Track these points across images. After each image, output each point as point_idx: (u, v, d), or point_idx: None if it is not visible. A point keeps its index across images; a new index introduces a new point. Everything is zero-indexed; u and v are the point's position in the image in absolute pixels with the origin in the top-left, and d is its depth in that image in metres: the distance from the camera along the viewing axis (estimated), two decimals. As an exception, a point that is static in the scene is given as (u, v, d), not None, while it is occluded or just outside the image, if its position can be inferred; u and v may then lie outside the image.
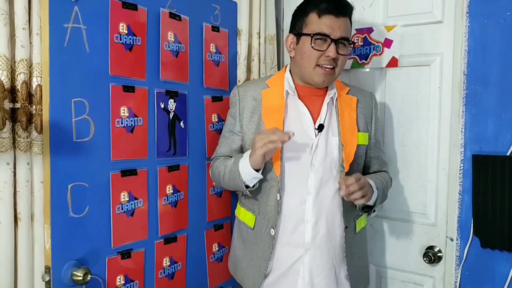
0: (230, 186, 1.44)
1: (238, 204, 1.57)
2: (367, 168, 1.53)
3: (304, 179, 1.37)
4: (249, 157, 1.32)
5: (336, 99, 1.41)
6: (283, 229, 1.39)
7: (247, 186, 1.36)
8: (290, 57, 1.44)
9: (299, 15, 1.39)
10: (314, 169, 1.37)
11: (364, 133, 1.44)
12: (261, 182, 1.39)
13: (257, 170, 1.32)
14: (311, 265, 1.38)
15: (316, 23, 1.33)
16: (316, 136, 1.37)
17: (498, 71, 1.45)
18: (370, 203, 1.36)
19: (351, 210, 1.41)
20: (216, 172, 1.48)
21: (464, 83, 1.51)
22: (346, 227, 1.40)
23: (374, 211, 1.44)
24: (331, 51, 1.31)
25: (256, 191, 1.42)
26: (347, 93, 1.45)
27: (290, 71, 1.46)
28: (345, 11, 1.35)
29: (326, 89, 1.43)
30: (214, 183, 1.60)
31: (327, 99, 1.40)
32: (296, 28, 1.39)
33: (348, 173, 1.36)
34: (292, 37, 1.41)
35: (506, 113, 1.44)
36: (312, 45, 1.33)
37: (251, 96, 1.45)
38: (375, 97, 1.54)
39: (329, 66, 1.34)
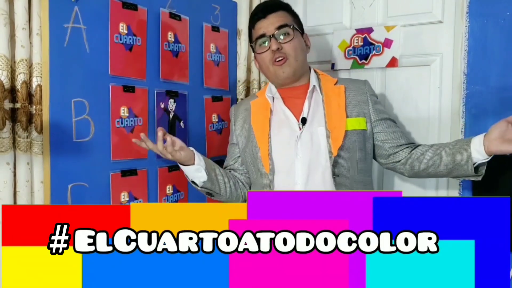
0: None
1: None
2: (392, 147, 1.44)
3: (291, 170, 1.39)
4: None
5: (321, 91, 1.43)
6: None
7: (194, 183, 1.41)
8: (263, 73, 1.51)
9: (249, 40, 1.50)
10: (300, 159, 1.38)
11: (358, 118, 1.41)
12: (256, 179, 1.44)
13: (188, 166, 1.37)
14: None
15: (254, 33, 1.43)
16: (300, 129, 1.40)
17: (498, 71, 1.45)
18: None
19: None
20: None
21: (464, 83, 1.51)
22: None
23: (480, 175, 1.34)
24: (272, 44, 1.37)
25: (252, 186, 1.48)
26: (335, 84, 1.46)
27: None
28: (270, 9, 1.41)
29: (307, 85, 1.45)
30: None
31: (308, 94, 1.43)
32: (253, 48, 1.49)
33: (336, 158, 1.36)
34: (255, 60, 1.51)
35: (506, 113, 1.43)
36: (259, 51, 1.42)
37: (243, 108, 1.52)
38: (369, 83, 1.50)
39: (278, 59, 1.38)
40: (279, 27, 1.38)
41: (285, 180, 1.40)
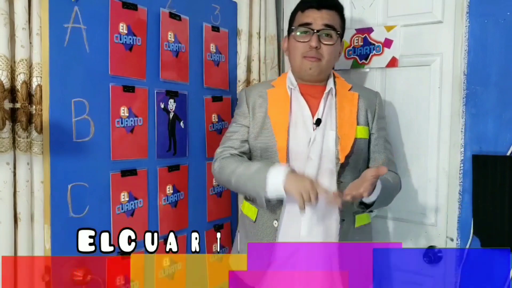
0: (240, 189, 1.43)
1: (244, 199, 1.56)
2: (371, 164, 1.50)
3: (301, 172, 1.37)
4: (287, 180, 1.28)
5: (335, 95, 1.44)
6: (284, 222, 1.40)
7: (267, 200, 1.33)
8: (288, 58, 1.49)
9: (291, 16, 1.47)
10: (310, 162, 1.38)
11: (364, 126, 1.44)
12: None
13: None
14: (306, 257, 1.39)
15: (299, 17, 1.41)
16: (314, 130, 1.40)
17: (498, 71, 1.45)
18: (367, 201, 1.33)
19: (349, 204, 1.39)
20: (225, 170, 1.42)
21: (464, 83, 1.50)
22: (342, 220, 1.40)
23: (371, 211, 1.42)
24: (313, 40, 1.36)
25: None
26: (349, 90, 1.47)
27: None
28: (327, 4, 1.40)
29: (325, 86, 1.45)
30: (215, 181, 1.58)
31: (324, 95, 1.43)
32: (288, 30, 1.47)
33: (343, 165, 1.38)
34: (286, 39, 1.49)
35: (506, 113, 1.44)
36: (296, 37, 1.40)
37: (257, 94, 1.48)
38: (380, 96, 1.53)
39: (313, 56, 1.38)
40: (327, 26, 1.38)
41: None
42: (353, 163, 1.40)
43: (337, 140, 1.39)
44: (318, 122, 1.40)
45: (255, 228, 1.46)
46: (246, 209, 1.51)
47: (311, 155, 1.39)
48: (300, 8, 1.43)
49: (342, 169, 1.38)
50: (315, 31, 1.37)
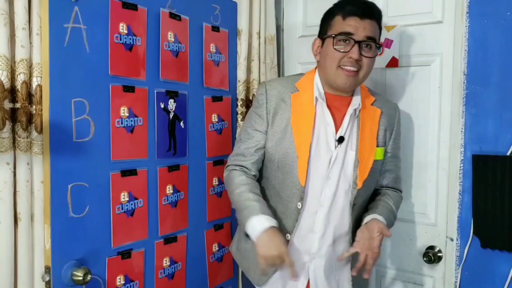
0: (235, 208, 1.42)
1: None
2: (380, 181, 1.49)
3: (319, 191, 1.35)
4: (260, 237, 1.26)
5: (359, 110, 1.38)
6: (296, 236, 1.38)
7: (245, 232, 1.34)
8: (317, 61, 1.41)
9: (326, 18, 1.37)
10: (329, 182, 1.35)
11: (382, 147, 1.41)
12: (281, 187, 1.38)
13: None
14: (315, 273, 1.38)
15: (340, 24, 1.30)
16: (335, 148, 1.35)
17: (498, 71, 1.45)
18: None
19: (360, 224, 1.40)
20: (228, 184, 1.42)
21: (464, 83, 1.51)
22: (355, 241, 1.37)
23: None
24: (354, 52, 1.27)
25: (277, 196, 1.40)
26: (372, 103, 1.41)
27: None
28: (371, 13, 1.30)
29: (351, 98, 1.38)
30: (226, 188, 1.53)
31: (350, 110, 1.37)
32: (322, 31, 1.37)
33: (360, 191, 1.36)
34: (318, 41, 1.38)
35: (506, 113, 1.44)
36: (335, 46, 1.30)
37: (279, 97, 1.39)
38: (399, 109, 1.49)
39: (351, 68, 1.29)
40: (369, 38, 1.29)
41: (312, 198, 1.36)
42: (367, 186, 1.39)
43: (357, 163, 1.35)
44: (340, 140, 1.34)
45: None
46: None
47: (331, 174, 1.35)
48: (341, 13, 1.31)
49: (357, 192, 1.36)
50: (356, 41, 1.27)
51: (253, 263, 1.39)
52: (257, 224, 1.27)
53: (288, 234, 1.37)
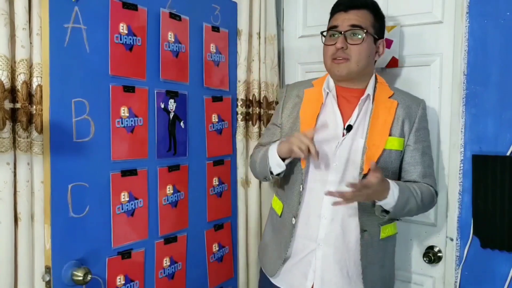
0: (260, 172, 1.47)
1: (274, 193, 1.62)
2: (403, 176, 1.45)
3: (325, 176, 1.39)
4: (279, 145, 1.38)
5: (373, 101, 1.40)
6: (303, 221, 1.42)
7: (271, 172, 1.41)
8: None
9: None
10: (335, 167, 1.38)
11: (399, 138, 1.39)
12: (289, 173, 1.45)
13: (283, 160, 1.37)
14: (323, 260, 1.39)
15: (330, 23, 1.43)
16: (343, 136, 1.39)
17: (498, 71, 1.45)
18: (386, 207, 1.31)
19: (373, 214, 1.38)
20: (254, 159, 1.54)
21: (464, 83, 1.51)
22: (364, 231, 1.37)
23: (396, 219, 1.43)
24: (338, 41, 1.36)
25: (285, 182, 1.49)
26: (390, 97, 1.42)
27: None
28: (356, 5, 1.38)
29: (363, 90, 1.42)
30: (251, 171, 1.60)
31: (360, 101, 1.40)
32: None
33: (366, 176, 1.31)
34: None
35: (506, 113, 1.44)
36: (326, 42, 1.41)
37: (295, 94, 1.52)
38: (425, 105, 1.46)
39: (339, 57, 1.37)
40: (353, 26, 1.36)
41: (317, 182, 1.39)
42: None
43: (364, 149, 1.36)
44: (348, 128, 1.38)
45: (280, 222, 1.49)
46: (274, 203, 1.56)
47: (336, 160, 1.37)
48: (331, 13, 1.44)
49: (364, 178, 1.32)
50: (341, 32, 1.37)
51: (270, 255, 1.51)
52: (274, 146, 1.40)
53: (293, 218, 1.42)
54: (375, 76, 1.45)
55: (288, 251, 1.44)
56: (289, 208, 1.45)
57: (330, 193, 1.23)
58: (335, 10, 1.42)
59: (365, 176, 1.32)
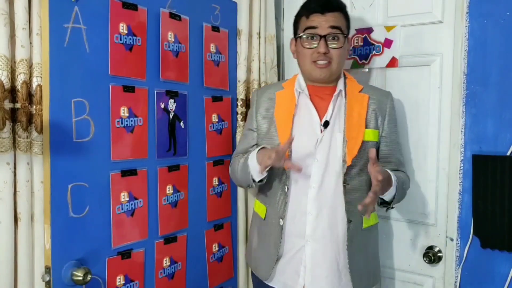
0: (242, 180, 1.49)
1: (255, 197, 1.63)
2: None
3: (307, 172, 1.41)
4: (257, 154, 1.40)
5: (345, 96, 1.45)
6: (289, 220, 1.44)
7: (253, 180, 1.43)
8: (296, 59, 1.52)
9: (295, 20, 1.49)
10: (317, 163, 1.41)
11: (374, 130, 1.45)
12: (271, 176, 1.46)
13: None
14: (312, 255, 1.42)
15: (305, 23, 1.42)
16: (321, 132, 1.42)
17: (498, 71, 1.45)
18: (387, 198, 1.37)
19: (356, 204, 1.39)
20: (233, 168, 1.55)
21: (464, 83, 1.51)
22: (350, 221, 1.41)
23: (392, 207, 1.45)
24: (321, 46, 1.38)
25: (266, 185, 1.49)
26: (360, 91, 1.48)
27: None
28: (331, 7, 1.41)
29: (335, 87, 1.47)
30: (233, 180, 1.62)
31: (333, 97, 1.45)
32: (294, 33, 1.49)
33: (350, 168, 1.39)
34: (293, 41, 1.51)
35: (506, 113, 1.44)
36: (304, 44, 1.41)
37: (267, 97, 1.53)
38: (392, 96, 1.53)
39: (322, 62, 1.40)
40: (333, 28, 1.38)
41: (301, 179, 1.42)
42: (359, 165, 1.41)
43: (345, 142, 1.40)
44: (326, 124, 1.41)
45: (265, 225, 1.51)
46: (257, 207, 1.58)
47: (318, 156, 1.41)
48: (304, 13, 1.43)
49: (348, 171, 1.40)
50: (322, 36, 1.38)
51: (260, 258, 1.52)
52: (253, 156, 1.41)
53: (280, 220, 1.44)
54: (343, 72, 1.51)
55: (279, 252, 1.46)
56: (274, 210, 1.47)
57: (365, 205, 1.25)
58: (310, 11, 1.41)
59: (348, 168, 1.38)
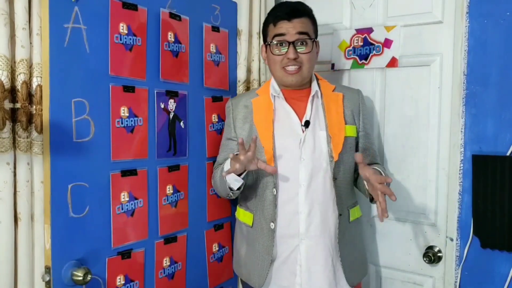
0: (223, 191, 1.49)
1: (237, 206, 1.63)
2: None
3: (295, 173, 1.43)
4: (230, 162, 1.41)
5: (321, 96, 1.49)
6: (280, 222, 1.45)
7: (231, 189, 1.43)
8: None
9: (263, 27, 1.52)
10: (304, 162, 1.43)
11: (351, 125, 1.50)
12: (255, 180, 1.49)
13: (239, 175, 1.40)
14: (307, 253, 1.44)
15: (273, 30, 1.45)
16: (303, 132, 1.44)
17: (498, 71, 1.45)
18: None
19: (345, 199, 1.49)
20: (215, 181, 1.56)
21: (464, 83, 1.51)
22: (340, 215, 1.45)
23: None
24: (290, 52, 1.41)
25: (252, 191, 1.51)
26: (333, 90, 1.52)
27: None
28: (297, 13, 1.43)
29: (309, 89, 1.50)
30: (216, 192, 1.63)
31: (310, 98, 1.48)
32: (264, 39, 1.52)
33: (337, 163, 1.43)
34: (263, 47, 1.53)
35: (506, 113, 1.44)
36: (274, 51, 1.44)
37: (243, 105, 1.55)
38: (362, 93, 1.59)
39: (292, 68, 1.43)
40: (301, 33, 1.41)
41: (289, 181, 1.44)
42: (345, 160, 1.46)
43: (329, 139, 1.44)
44: (307, 124, 1.44)
45: (253, 232, 1.51)
46: (242, 215, 1.58)
47: (303, 155, 1.43)
48: (271, 21, 1.46)
49: (336, 166, 1.43)
50: (290, 42, 1.40)
51: (252, 266, 1.51)
52: (227, 165, 1.43)
53: (272, 223, 1.45)
54: (315, 74, 1.55)
55: (272, 256, 1.47)
56: (263, 215, 1.47)
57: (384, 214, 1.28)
58: (276, 17, 1.43)
59: (336, 163, 1.42)
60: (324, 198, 1.44)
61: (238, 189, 1.44)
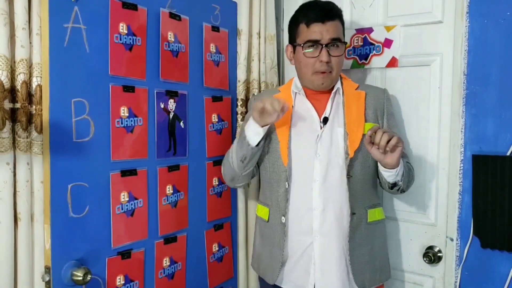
0: (238, 157, 1.46)
1: (257, 203, 1.63)
2: None
3: (310, 168, 1.43)
4: (250, 119, 1.42)
5: (343, 94, 1.48)
6: (293, 217, 1.45)
7: (249, 145, 1.41)
8: (293, 65, 1.53)
9: (292, 26, 1.49)
10: (319, 158, 1.43)
11: (374, 124, 1.46)
12: (271, 174, 1.48)
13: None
14: (321, 251, 1.43)
15: (306, 32, 1.42)
16: (321, 128, 1.44)
17: (498, 71, 1.45)
18: (398, 178, 1.39)
19: (361, 198, 1.45)
20: (227, 155, 1.53)
21: (464, 83, 1.51)
22: (353, 214, 1.42)
23: (403, 190, 1.46)
24: (323, 55, 1.39)
25: (267, 185, 1.52)
26: (356, 89, 1.51)
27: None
28: (331, 15, 1.42)
29: (332, 89, 1.49)
30: (224, 179, 1.60)
31: (332, 94, 1.47)
32: (291, 38, 1.50)
33: (352, 160, 1.42)
34: (290, 47, 1.51)
35: (506, 113, 1.44)
36: (305, 53, 1.42)
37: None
38: (388, 92, 1.56)
39: (324, 70, 1.41)
40: (334, 39, 1.40)
41: (303, 176, 1.44)
42: (362, 158, 1.44)
43: (346, 136, 1.43)
44: (325, 121, 1.44)
45: (268, 227, 1.51)
46: (260, 211, 1.58)
47: (319, 151, 1.43)
48: (304, 21, 1.42)
49: (351, 164, 1.42)
50: (323, 45, 1.39)
51: (267, 262, 1.51)
52: (248, 124, 1.42)
53: (283, 217, 1.45)
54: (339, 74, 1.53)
55: (284, 252, 1.46)
56: (277, 209, 1.47)
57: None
58: (310, 20, 1.40)
59: (351, 160, 1.41)
60: (338, 195, 1.42)
61: (257, 146, 1.41)
